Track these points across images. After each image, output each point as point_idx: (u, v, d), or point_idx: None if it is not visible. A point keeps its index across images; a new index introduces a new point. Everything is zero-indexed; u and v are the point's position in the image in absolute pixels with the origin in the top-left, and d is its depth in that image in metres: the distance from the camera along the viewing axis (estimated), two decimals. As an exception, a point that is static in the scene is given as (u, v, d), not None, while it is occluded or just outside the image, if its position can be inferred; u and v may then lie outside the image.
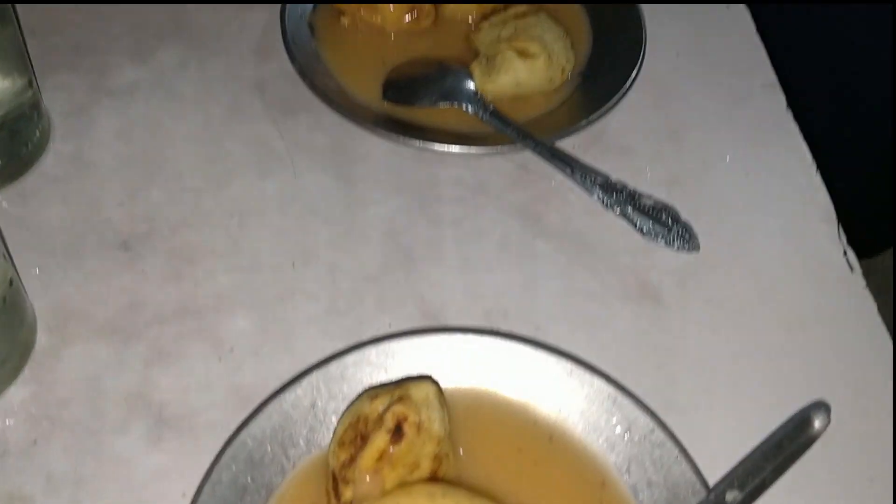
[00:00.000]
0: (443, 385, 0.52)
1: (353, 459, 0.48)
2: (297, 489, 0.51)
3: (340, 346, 0.57)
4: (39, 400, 0.55)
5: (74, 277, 0.61)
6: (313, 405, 0.53)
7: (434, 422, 0.49)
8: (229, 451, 0.50)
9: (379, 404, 0.50)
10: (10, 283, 0.55)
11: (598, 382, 0.54)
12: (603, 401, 0.54)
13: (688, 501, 0.50)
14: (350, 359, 0.54)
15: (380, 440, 0.48)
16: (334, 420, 0.53)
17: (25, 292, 0.58)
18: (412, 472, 0.49)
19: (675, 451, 0.51)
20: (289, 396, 0.53)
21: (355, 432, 0.49)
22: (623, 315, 0.61)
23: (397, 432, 0.48)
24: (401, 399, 0.49)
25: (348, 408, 0.52)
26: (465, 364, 0.55)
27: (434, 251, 0.64)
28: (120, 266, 0.62)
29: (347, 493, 0.48)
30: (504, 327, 0.59)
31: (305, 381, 0.53)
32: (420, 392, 0.50)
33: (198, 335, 0.59)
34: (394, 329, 0.59)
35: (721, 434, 0.55)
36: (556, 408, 0.54)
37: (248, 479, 0.50)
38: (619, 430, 0.53)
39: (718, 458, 0.53)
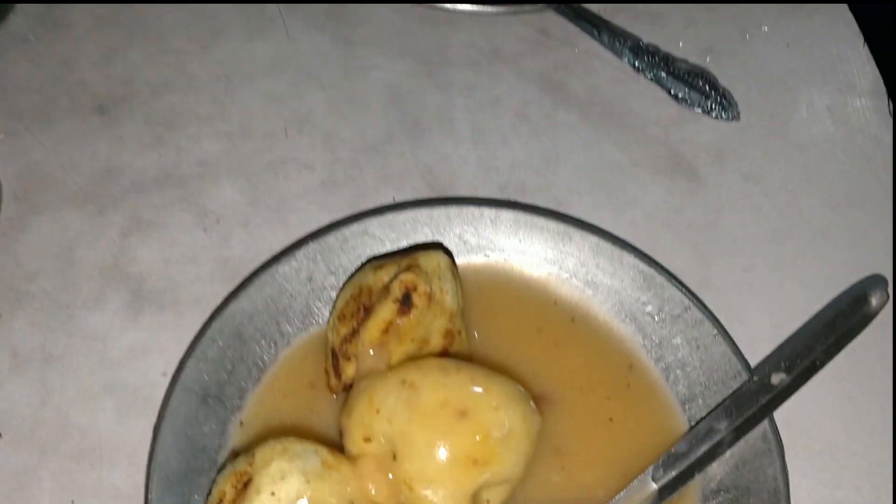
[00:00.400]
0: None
1: (355, 333, 0.43)
2: (292, 367, 0.46)
3: (338, 219, 0.52)
4: (3, 271, 0.50)
5: (45, 143, 0.55)
6: (310, 279, 0.47)
7: (446, 293, 0.44)
8: (215, 325, 0.45)
9: (384, 275, 0.44)
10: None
11: (627, 257, 0.48)
12: (632, 278, 0.48)
13: (727, 385, 0.45)
14: (350, 230, 0.48)
15: (386, 310, 0.42)
16: (333, 296, 0.47)
17: (-12, 157, 0.52)
18: (421, 349, 0.43)
19: (713, 331, 0.46)
20: (282, 268, 0.47)
21: (357, 304, 0.44)
22: (654, 190, 0.55)
23: (405, 302, 0.42)
24: (409, 268, 0.43)
25: (349, 279, 0.46)
26: (478, 238, 0.50)
27: (443, 120, 0.57)
28: (95, 131, 0.56)
29: (349, 370, 0.43)
30: (522, 202, 0.54)
31: (300, 253, 0.47)
32: (430, 261, 0.44)
33: (181, 205, 0.53)
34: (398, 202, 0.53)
35: (762, 315, 0.50)
36: (579, 285, 0.49)
37: (238, 356, 0.45)
38: (649, 308, 0.47)
39: (760, 341, 0.48)
